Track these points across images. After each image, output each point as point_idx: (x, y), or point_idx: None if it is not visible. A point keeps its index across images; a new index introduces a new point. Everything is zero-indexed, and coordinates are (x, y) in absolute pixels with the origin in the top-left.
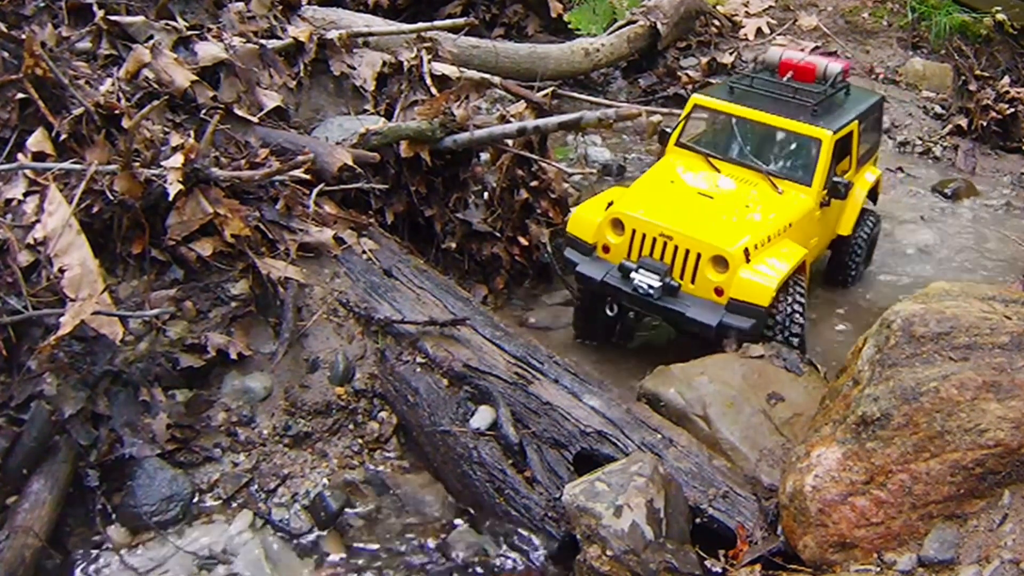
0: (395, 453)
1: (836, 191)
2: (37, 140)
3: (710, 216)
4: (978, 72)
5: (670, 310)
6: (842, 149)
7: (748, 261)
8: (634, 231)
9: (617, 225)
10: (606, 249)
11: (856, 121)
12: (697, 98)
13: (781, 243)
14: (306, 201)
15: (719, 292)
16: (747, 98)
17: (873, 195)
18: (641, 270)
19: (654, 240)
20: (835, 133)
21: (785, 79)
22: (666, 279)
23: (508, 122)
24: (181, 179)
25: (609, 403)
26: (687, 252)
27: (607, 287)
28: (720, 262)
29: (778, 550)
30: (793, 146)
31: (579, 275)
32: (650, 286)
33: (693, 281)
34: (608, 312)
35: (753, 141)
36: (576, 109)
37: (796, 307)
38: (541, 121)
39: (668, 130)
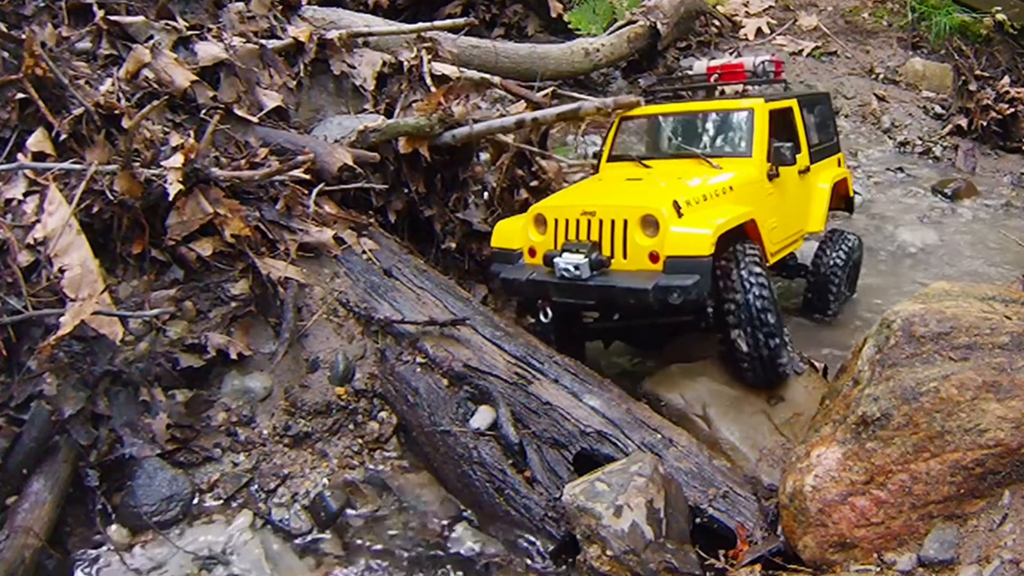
0: (395, 453)
1: (781, 157)
2: (37, 140)
3: (637, 190)
4: (978, 72)
5: (602, 288)
6: (782, 126)
7: (680, 216)
8: (556, 220)
9: (540, 222)
10: (532, 253)
11: (795, 101)
12: (621, 113)
13: (721, 203)
14: (306, 201)
15: (654, 258)
16: (672, 101)
17: (848, 204)
18: (565, 254)
19: (577, 223)
20: (768, 102)
21: (713, 79)
22: (592, 255)
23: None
24: (181, 179)
25: (609, 403)
26: (612, 223)
27: (533, 285)
28: (650, 223)
29: (778, 550)
30: (727, 124)
31: (504, 282)
32: (575, 266)
33: (625, 255)
34: (542, 319)
35: (685, 132)
36: (573, 100)
37: (755, 284)
38: (539, 113)
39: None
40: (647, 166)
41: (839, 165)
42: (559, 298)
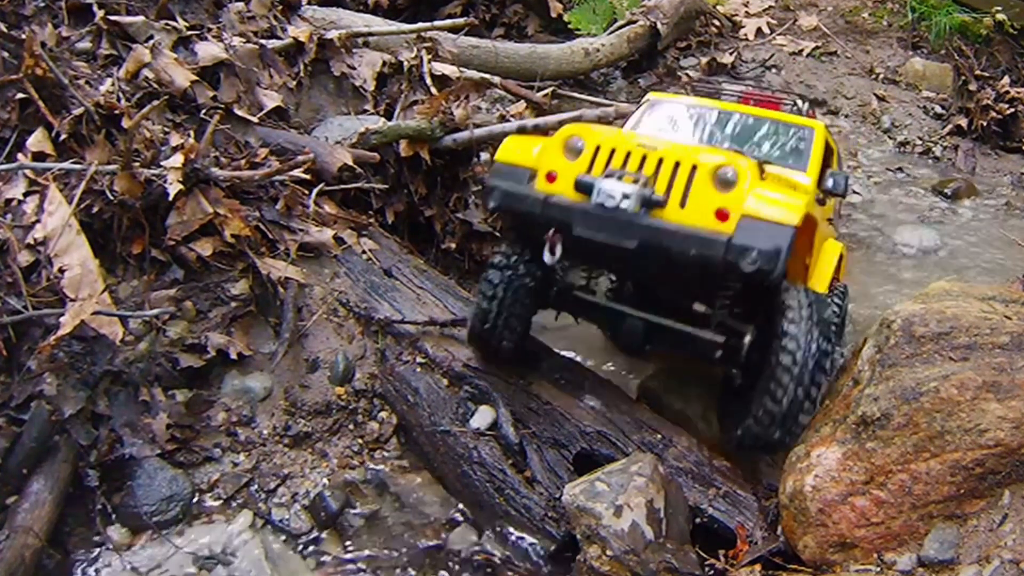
0: (395, 453)
1: (834, 185)
2: (37, 140)
3: (702, 147)
4: (978, 72)
5: (652, 230)
6: (826, 158)
7: (763, 179)
8: (598, 148)
9: (573, 148)
10: (551, 178)
11: (836, 147)
12: (656, 94)
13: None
14: (306, 201)
15: (722, 215)
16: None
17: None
18: (609, 179)
19: (627, 155)
20: (827, 130)
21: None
22: (645, 190)
23: (508, 121)
24: (181, 179)
25: (609, 403)
26: (676, 165)
27: (548, 208)
28: (725, 178)
29: (778, 550)
30: (784, 136)
31: (503, 196)
32: (624, 195)
33: (684, 203)
34: (546, 256)
35: (732, 132)
36: (576, 109)
37: (821, 324)
38: (541, 119)
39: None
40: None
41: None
42: (585, 232)
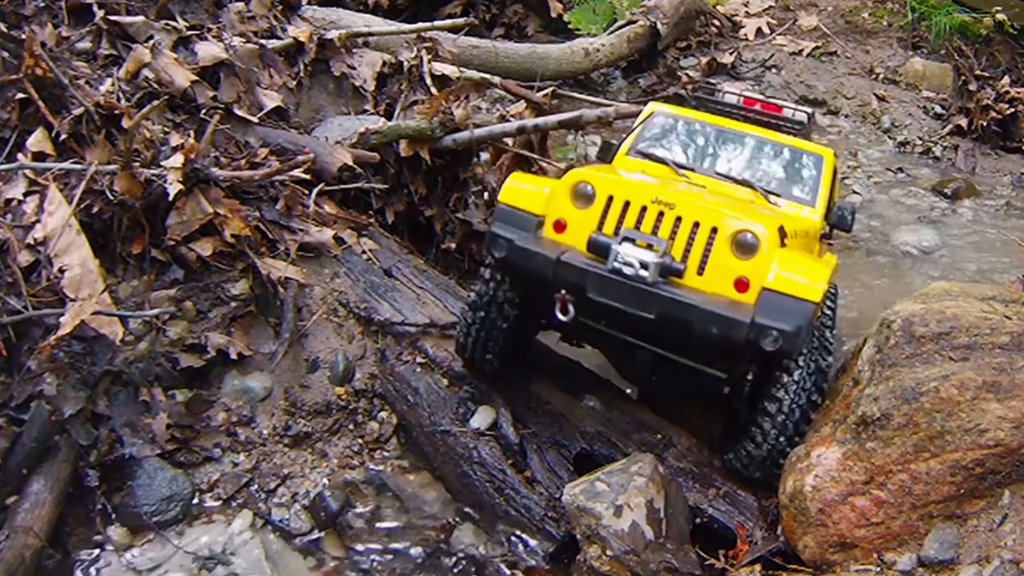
0: (395, 453)
1: (841, 220)
2: (37, 140)
3: (719, 198)
4: (978, 72)
5: (673, 303)
6: (833, 186)
7: (783, 247)
8: (611, 198)
9: (583, 195)
10: (560, 227)
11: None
12: (658, 105)
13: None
14: (306, 201)
15: (742, 285)
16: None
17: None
18: (626, 244)
19: (642, 210)
20: (834, 157)
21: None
22: (665, 258)
23: (508, 121)
24: (181, 179)
25: (609, 403)
26: (695, 226)
27: (562, 269)
28: (746, 243)
29: (778, 550)
30: (791, 163)
31: (513, 249)
32: (642, 264)
33: (702, 270)
34: (560, 317)
35: (738, 155)
36: (576, 109)
37: (814, 379)
38: (541, 120)
39: (613, 142)
40: (686, 177)
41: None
42: (600, 297)
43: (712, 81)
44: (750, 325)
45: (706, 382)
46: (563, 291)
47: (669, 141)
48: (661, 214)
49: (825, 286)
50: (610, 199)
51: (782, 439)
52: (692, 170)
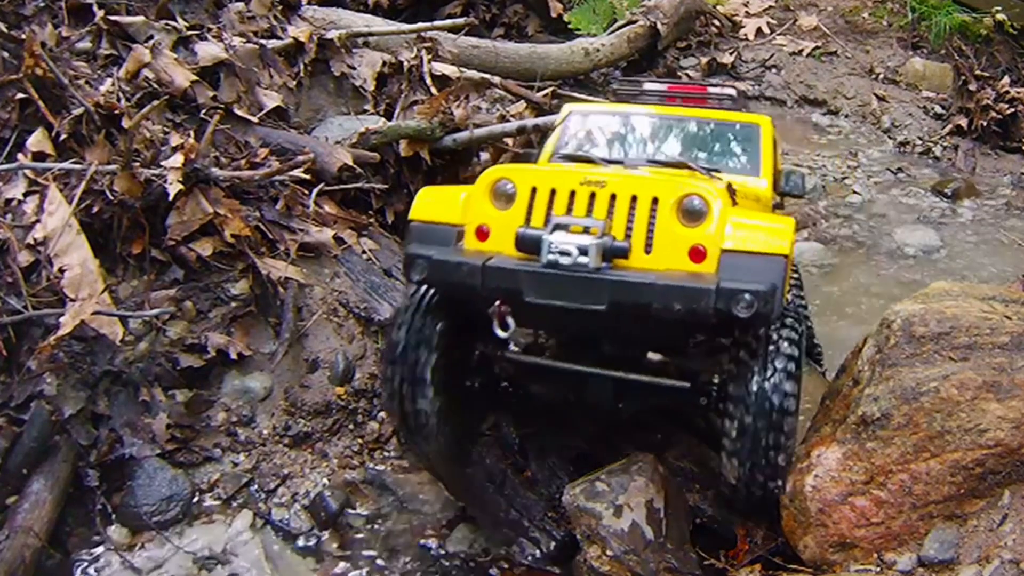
0: (395, 453)
1: (792, 185)
2: (37, 140)
3: (655, 174)
4: (978, 72)
5: (625, 286)
6: (775, 154)
7: (735, 205)
8: (534, 190)
9: (502, 193)
10: (482, 234)
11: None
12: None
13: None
14: (306, 201)
15: (698, 254)
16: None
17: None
18: (558, 232)
19: (571, 195)
20: (772, 124)
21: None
22: (606, 238)
23: (508, 121)
24: (181, 179)
25: None
26: (633, 200)
27: (492, 275)
28: (692, 209)
29: (778, 550)
30: (727, 137)
31: (433, 267)
32: (581, 249)
33: (649, 247)
34: (498, 331)
35: (669, 139)
36: None
37: (781, 386)
38: (541, 119)
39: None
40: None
41: None
42: (540, 298)
43: (633, 80)
44: (716, 292)
45: (683, 396)
46: (497, 302)
47: (592, 138)
48: (593, 195)
49: (792, 238)
50: (534, 191)
51: (756, 473)
52: (621, 163)
